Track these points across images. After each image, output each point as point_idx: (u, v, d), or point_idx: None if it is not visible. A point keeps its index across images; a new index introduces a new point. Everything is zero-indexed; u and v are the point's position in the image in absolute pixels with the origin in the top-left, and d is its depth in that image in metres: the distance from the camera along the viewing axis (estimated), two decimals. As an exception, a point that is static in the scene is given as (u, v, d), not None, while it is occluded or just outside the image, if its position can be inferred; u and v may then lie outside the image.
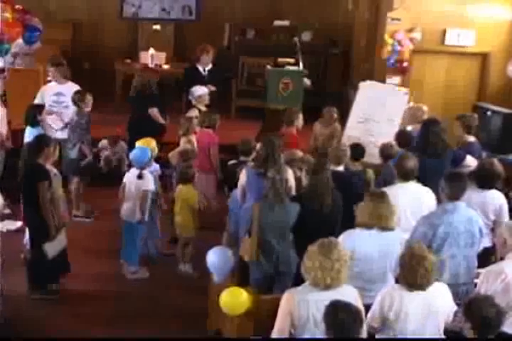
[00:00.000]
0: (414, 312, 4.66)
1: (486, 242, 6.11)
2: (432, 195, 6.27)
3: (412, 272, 4.63)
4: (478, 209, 6.07)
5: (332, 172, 6.41)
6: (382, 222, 5.34)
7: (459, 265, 5.61)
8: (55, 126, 8.84)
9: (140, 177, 7.30)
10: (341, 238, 5.29)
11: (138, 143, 7.71)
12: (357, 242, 5.31)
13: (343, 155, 6.90)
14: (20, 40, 9.70)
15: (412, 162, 6.30)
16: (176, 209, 7.60)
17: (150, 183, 7.36)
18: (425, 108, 8.49)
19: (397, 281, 5.24)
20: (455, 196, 5.65)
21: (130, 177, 7.43)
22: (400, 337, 4.69)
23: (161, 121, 9.29)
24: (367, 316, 4.73)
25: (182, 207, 7.53)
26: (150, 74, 9.38)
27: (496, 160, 6.56)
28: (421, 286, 4.65)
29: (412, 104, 9.13)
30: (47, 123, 8.73)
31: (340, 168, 6.86)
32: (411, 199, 6.18)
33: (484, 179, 6.34)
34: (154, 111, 9.27)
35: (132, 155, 7.48)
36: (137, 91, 9.38)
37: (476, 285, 5.48)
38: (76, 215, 8.77)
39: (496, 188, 6.44)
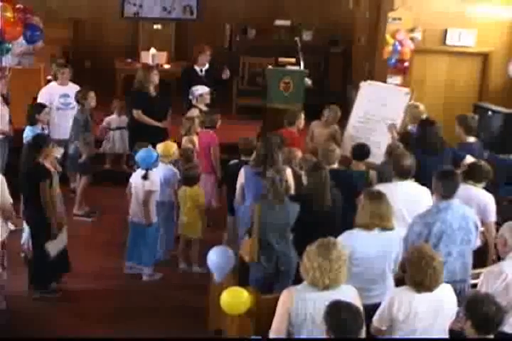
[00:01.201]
0: (423, 313, 4.66)
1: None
2: (428, 194, 6.28)
3: (421, 273, 4.62)
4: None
5: (329, 171, 6.44)
6: (382, 222, 5.33)
7: (456, 262, 5.61)
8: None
9: (145, 177, 7.29)
10: (341, 238, 5.26)
11: (159, 146, 7.70)
12: (357, 243, 5.30)
13: (332, 155, 6.90)
14: (22, 40, 9.69)
15: (410, 160, 6.32)
16: (182, 209, 7.57)
17: (154, 184, 7.34)
18: (422, 106, 8.50)
19: (396, 281, 5.26)
20: (448, 194, 5.66)
21: (136, 178, 7.40)
22: (407, 337, 4.70)
23: (154, 123, 9.06)
24: (372, 319, 4.73)
25: (190, 208, 7.51)
26: (148, 72, 9.22)
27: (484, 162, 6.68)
28: (429, 287, 4.65)
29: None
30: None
31: (334, 166, 6.86)
32: (408, 197, 6.18)
33: (471, 172, 6.44)
34: (138, 114, 9.05)
35: (137, 156, 7.41)
36: (134, 89, 9.32)
37: (473, 284, 5.51)
38: (76, 214, 8.78)
39: (487, 190, 6.49)
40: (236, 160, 7.61)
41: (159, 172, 7.56)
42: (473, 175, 6.48)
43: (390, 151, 7.41)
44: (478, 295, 4.57)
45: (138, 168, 7.48)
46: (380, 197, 5.40)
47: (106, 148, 10.05)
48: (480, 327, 4.30)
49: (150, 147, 7.54)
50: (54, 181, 6.82)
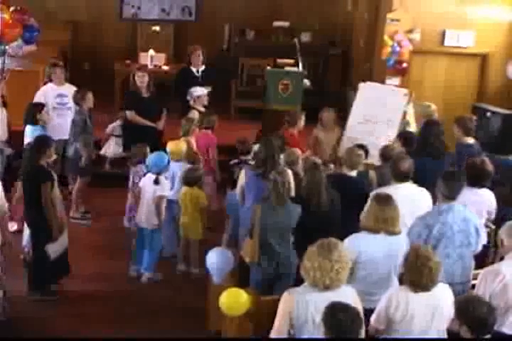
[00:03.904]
0: (419, 313, 4.67)
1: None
2: (427, 196, 6.28)
3: (417, 273, 4.63)
4: (472, 208, 6.12)
5: (340, 176, 6.49)
6: (388, 226, 5.31)
7: (454, 265, 5.61)
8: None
9: (156, 182, 7.27)
10: (347, 241, 5.28)
11: (168, 144, 7.71)
12: (362, 245, 5.29)
13: (358, 161, 6.83)
14: (19, 41, 9.68)
15: (407, 163, 6.31)
16: (183, 210, 7.54)
17: (166, 189, 7.33)
18: (434, 106, 8.52)
19: (400, 282, 5.26)
20: (451, 195, 5.67)
21: (145, 182, 7.38)
22: (405, 337, 4.70)
23: (147, 123, 9.14)
24: (371, 319, 4.74)
25: (190, 209, 7.48)
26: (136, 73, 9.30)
27: (487, 159, 6.59)
28: (425, 287, 4.65)
29: (412, 105, 9.13)
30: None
31: (353, 172, 6.81)
32: (406, 200, 6.15)
33: (475, 177, 6.38)
34: (131, 114, 9.15)
35: (149, 161, 7.40)
36: (128, 90, 9.39)
37: (472, 285, 5.50)
38: (74, 217, 8.75)
39: (488, 187, 6.49)
40: (236, 160, 7.62)
41: (176, 170, 7.60)
42: (477, 175, 6.44)
43: (385, 154, 7.42)
44: (468, 298, 4.56)
45: (147, 172, 7.46)
46: (387, 201, 5.37)
47: (108, 152, 10.03)
48: (475, 329, 4.29)
49: (161, 152, 7.53)
50: (54, 183, 6.82)
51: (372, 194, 5.98)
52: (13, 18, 8.70)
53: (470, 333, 4.31)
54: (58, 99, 9.21)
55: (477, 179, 6.38)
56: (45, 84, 9.67)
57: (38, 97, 9.25)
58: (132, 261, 7.57)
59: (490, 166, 6.48)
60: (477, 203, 6.24)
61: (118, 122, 9.93)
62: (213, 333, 6.31)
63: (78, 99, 8.68)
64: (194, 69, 10.12)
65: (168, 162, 7.50)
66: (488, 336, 4.33)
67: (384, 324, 4.74)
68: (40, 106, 8.78)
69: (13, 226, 7.68)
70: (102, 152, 9.95)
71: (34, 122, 8.59)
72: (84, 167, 8.71)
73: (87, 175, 8.86)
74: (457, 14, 10.57)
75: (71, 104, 8.99)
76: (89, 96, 8.73)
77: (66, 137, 8.80)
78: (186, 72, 10.18)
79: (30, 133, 8.45)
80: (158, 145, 8.23)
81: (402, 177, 6.30)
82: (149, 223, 7.36)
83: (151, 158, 7.39)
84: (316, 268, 4.47)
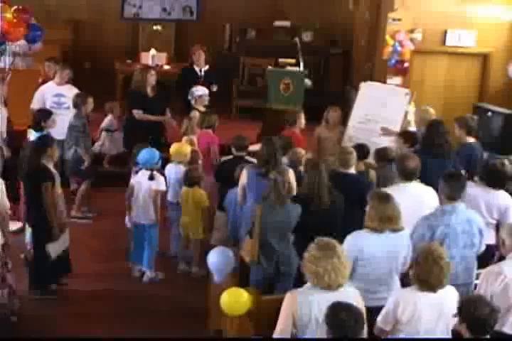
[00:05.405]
0: (426, 314, 4.66)
1: (489, 240, 6.05)
2: (434, 195, 6.26)
3: (427, 270, 4.62)
4: (483, 207, 6.14)
5: (340, 175, 6.50)
6: (392, 224, 5.30)
7: (458, 266, 5.57)
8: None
9: (151, 178, 7.28)
10: (349, 238, 5.29)
11: (172, 147, 7.73)
12: (365, 243, 5.28)
13: (350, 158, 6.76)
14: (23, 41, 9.67)
15: (414, 162, 6.29)
16: (183, 210, 7.56)
17: (161, 184, 7.34)
18: (432, 110, 8.52)
19: (402, 282, 5.26)
20: (454, 196, 5.65)
21: (140, 178, 7.38)
22: (410, 337, 4.70)
23: (158, 119, 9.19)
24: (377, 319, 4.73)
25: (191, 209, 7.47)
26: (145, 73, 9.30)
27: (507, 161, 6.56)
28: (433, 286, 4.65)
29: (413, 104, 9.13)
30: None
31: (351, 171, 6.78)
32: (413, 200, 6.13)
33: (494, 179, 6.35)
34: (139, 113, 9.16)
35: (140, 158, 7.39)
36: (131, 89, 9.38)
37: (475, 285, 5.50)
38: (75, 216, 8.74)
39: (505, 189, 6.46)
40: (230, 156, 7.62)
41: (171, 172, 7.59)
42: (497, 177, 6.38)
43: (380, 155, 7.40)
44: (471, 298, 4.56)
45: (140, 169, 7.46)
46: (388, 198, 5.36)
47: (102, 149, 10.02)
48: (475, 329, 4.28)
49: (152, 148, 7.52)
50: (56, 182, 6.82)
51: (372, 193, 5.97)
52: (16, 18, 8.70)
53: (468, 332, 4.30)
54: (56, 98, 9.15)
55: (496, 181, 6.35)
56: (42, 82, 9.64)
57: (37, 97, 9.22)
58: (134, 261, 7.56)
59: (510, 168, 6.44)
60: (489, 202, 6.23)
61: (109, 117, 9.94)
62: (213, 333, 6.30)
63: (79, 103, 8.62)
64: (197, 69, 10.14)
65: (160, 158, 7.48)
66: (486, 336, 4.33)
67: (390, 325, 4.73)
68: (47, 114, 8.59)
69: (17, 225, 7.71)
70: (96, 149, 9.90)
71: (39, 129, 8.39)
72: (87, 170, 8.70)
73: (91, 176, 8.86)
74: (458, 14, 10.58)
75: (68, 104, 8.94)
76: (90, 101, 8.69)
77: (62, 137, 8.69)
78: (188, 71, 10.19)
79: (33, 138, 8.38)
80: (161, 143, 8.23)
81: (409, 176, 6.28)
82: (146, 218, 7.35)
83: (143, 155, 7.37)
84: (330, 271, 4.45)
